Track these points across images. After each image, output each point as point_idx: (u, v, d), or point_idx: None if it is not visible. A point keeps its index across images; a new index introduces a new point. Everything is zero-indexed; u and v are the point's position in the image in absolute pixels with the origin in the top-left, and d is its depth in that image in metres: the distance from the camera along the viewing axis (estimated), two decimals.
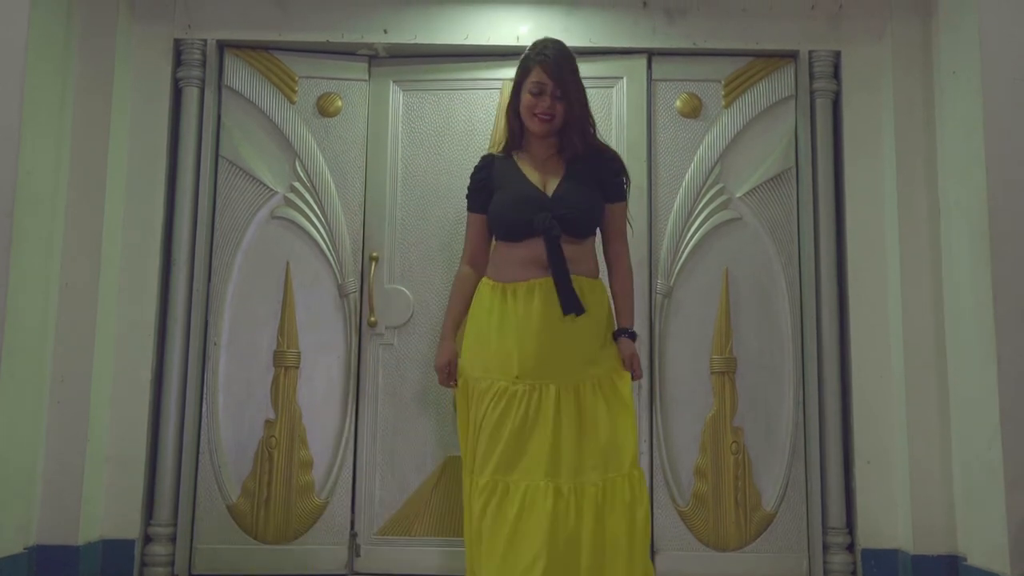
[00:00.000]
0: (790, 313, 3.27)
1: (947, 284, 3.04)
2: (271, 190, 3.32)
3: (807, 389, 3.23)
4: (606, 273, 2.57)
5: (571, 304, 2.35)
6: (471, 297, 2.52)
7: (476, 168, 2.60)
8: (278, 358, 3.25)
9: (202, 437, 3.20)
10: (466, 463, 2.44)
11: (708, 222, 3.31)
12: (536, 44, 2.52)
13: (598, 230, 2.54)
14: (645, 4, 3.37)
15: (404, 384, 3.26)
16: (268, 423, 3.22)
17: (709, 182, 3.33)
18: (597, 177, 2.48)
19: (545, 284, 2.37)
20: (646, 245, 3.27)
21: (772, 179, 3.33)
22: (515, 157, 2.55)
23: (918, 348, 3.08)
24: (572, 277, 2.37)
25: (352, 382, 3.26)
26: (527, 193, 2.44)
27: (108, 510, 3.11)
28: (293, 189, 3.33)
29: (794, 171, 3.34)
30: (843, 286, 3.26)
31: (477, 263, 2.56)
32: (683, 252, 3.30)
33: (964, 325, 2.90)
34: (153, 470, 3.19)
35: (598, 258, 2.54)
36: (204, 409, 3.22)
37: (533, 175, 2.48)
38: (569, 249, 2.39)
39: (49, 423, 2.96)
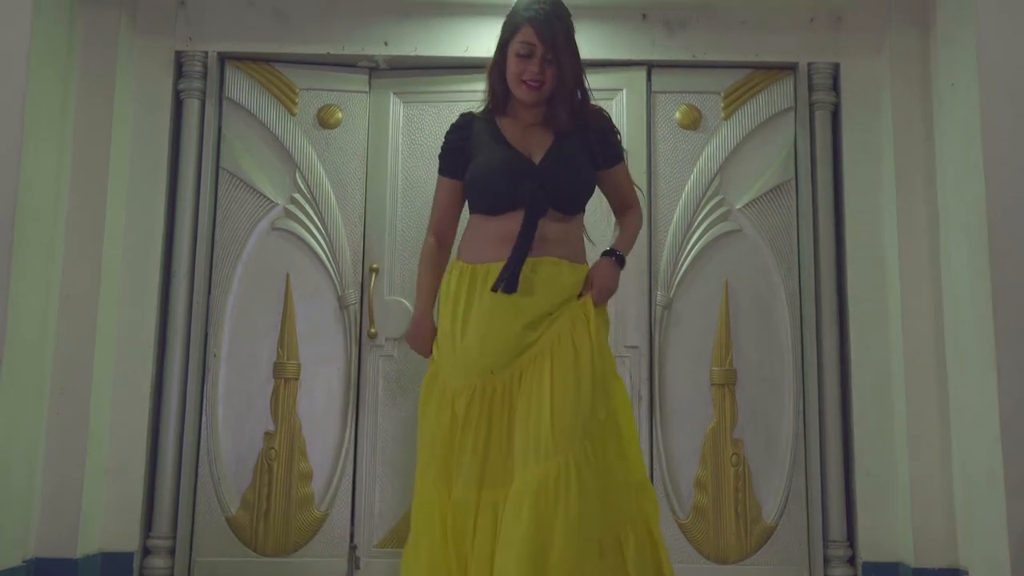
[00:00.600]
0: (790, 325, 3.26)
1: (947, 295, 3.04)
2: (271, 202, 3.33)
3: (807, 401, 3.23)
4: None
5: (508, 282, 2.07)
6: (442, 266, 2.27)
7: (454, 126, 2.32)
8: (278, 370, 3.25)
9: (201, 449, 3.19)
10: (424, 467, 2.16)
11: (708, 234, 3.31)
12: None
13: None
14: (645, 16, 3.38)
15: (404, 395, 3.25)
16: (268, 435, 3.22)
17: (709, 194, 3.33)
18: (588, 145, 2.23)
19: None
20: (646, 256, 3.27)
21: (772, 191, 3.34)
22: (498, 122, 2.27)
23: (918, 360, 3.07)
24: (553, 260, 2.14)
25: (352, 393, 3.25)
26: (513, 161, 2.18)
27: (107, 522, 3.10)
28: (293, 201, 3.33)
29: (793, 183, 3.34)
30: (843, 298, 3.26)
31: (443, 234, 2.30)
32: (683, 264, 3.30)
33: (964, 337, 2.90)
34: (152, 482, 3.18)
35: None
36: (204, 421, 3.21)
37: (517, 143, 2.22)
38: (554, 228, 2.15)
39: (48, 434, 2.96)
